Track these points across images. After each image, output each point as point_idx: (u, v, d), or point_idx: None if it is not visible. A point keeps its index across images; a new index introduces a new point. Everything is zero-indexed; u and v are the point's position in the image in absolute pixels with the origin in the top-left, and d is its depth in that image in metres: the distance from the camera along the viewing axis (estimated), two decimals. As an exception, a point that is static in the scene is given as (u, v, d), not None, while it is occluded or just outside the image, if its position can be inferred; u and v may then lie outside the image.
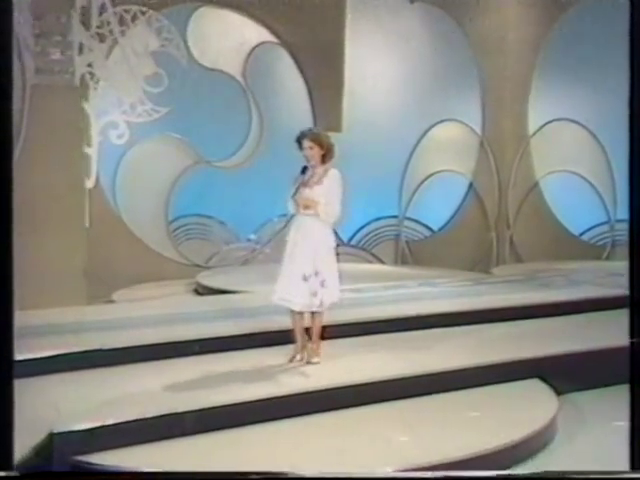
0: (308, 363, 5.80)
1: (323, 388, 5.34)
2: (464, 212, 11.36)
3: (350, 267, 11.36)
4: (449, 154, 11.49)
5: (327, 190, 5.65)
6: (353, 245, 12.42)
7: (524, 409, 5.35)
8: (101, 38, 10.02)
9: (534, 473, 4.45)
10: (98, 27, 9.93)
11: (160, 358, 5.87)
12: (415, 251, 11.99)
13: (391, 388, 5.49)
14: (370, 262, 12.24)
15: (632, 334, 3.30)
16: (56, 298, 7.27)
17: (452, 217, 11.55)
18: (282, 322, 6.05)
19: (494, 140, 10.89)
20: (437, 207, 11.77)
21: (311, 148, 5.70)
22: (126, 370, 5.61)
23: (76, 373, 5.46)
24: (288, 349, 5.92)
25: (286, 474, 3.88)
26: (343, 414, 5.12)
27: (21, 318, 6.24)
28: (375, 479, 4.14)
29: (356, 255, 12.34)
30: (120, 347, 5.82)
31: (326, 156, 5.75)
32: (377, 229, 12.34)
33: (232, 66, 11.07)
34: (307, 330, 5.89)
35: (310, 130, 5.89)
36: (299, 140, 5.76)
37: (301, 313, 5.81)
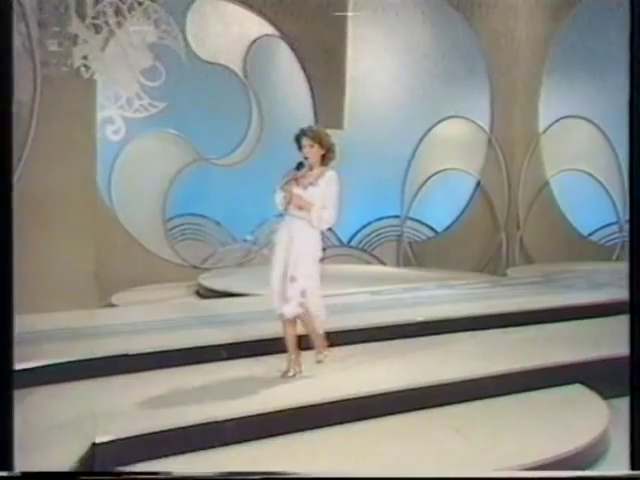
0: (318, 361, 5.66)
1: (358, 396, 5.20)
2: (471, 212, 11.20)
3: (351, 269, 11.35)
4: (455, 152, 11.32)
5: (322, 193, 5.41)
6: (352, 246, 12.27)
7: (579, 415, 5.24)
8: (96, 29, 9.75)
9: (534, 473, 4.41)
10: (93, 18, 9.67)
11: (184, 364, 5.75)
12: (418, 252, 11.84)
13: (436, 394, 5.38)
14: (370, 263, 12.13)
15: (632, 333, 3.41)
16: (66, 300, 7.08)
17: (458, 217, 11.38)
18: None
19: (503, 138, 10.77)
20: (441, 207, 11.60)
21: (311, 146, 5.47)
22: (153, 376, 5.48)
23: (103, 380, 5.34)
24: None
25: (286, 474, 3.97)
26: (392, 419, 5.04)
27: (35, 321, 6.20)
28: (378, 479, 4.15)
29: (355, 256, 12.19)
30: (146, 352, 5.70)
31: (326, 156, 5.53)
32: (378, 229, 12.16)
33: (232, 60, 10.83)
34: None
35: (310, 128, 5.66)
36: (298, 138, 5.53)
37: (292, 320, 5.54)
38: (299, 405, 4.96)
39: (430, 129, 11.52)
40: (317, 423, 4.90)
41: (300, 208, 5.41)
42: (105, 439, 4.23)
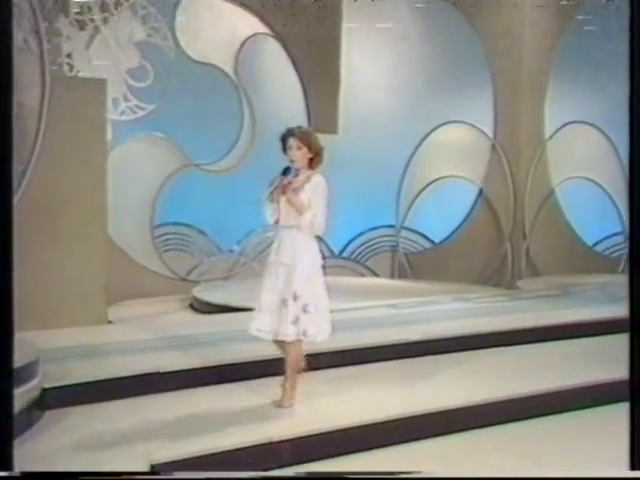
0: (280, 406, 5.14)
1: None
2: (472, 222, 10.97)
3: (346, 281, 11.14)
4: (455, 159, 11.07)
5: (308, 199, 5.04)
6: (345, 257, 12.06)
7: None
8: (81, 25, 9.46)
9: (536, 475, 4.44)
10: (77, 13, 9.37)
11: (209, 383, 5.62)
12: (415, 264, 11.61)
13: (478, 415, 5.22)
14: (363, 275, 11.95)
15: (632, 333, 3.29)
16: (76, 315, 6.82)
17: (458, 227, 11.12)
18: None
19: (508, 144, 10.58)
20: (439, 216, 11.36)
21: (298, 148, 5.06)
22: (187, 395, 5.41)
23: (138, 399, 5.25)
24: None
25: (287, 474, 4.11)
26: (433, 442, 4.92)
27: (51, 338, 6.00)
28: (373, 479, 4.14)
29: (348, 268, 11.98)
30: (176, 370, 5.59)
31: (314, 160, 5.13)
32: (372, 240, 11.97)
33: (223, 59, 10.55)
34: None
35: (299, 128, 5.23)
36: (284, 138, 5.13)
37: (283, 341, 5.12)
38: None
39: (428, 134, 11.29)
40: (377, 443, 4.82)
41: (297, 211, 5.04)
42: (163, 460, 4.16)
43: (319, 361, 5.99)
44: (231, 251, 11.11)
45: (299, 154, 5.08)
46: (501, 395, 5.47)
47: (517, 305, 8.36)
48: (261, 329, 5.09)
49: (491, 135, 10.79)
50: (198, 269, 10.85)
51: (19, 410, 4.46)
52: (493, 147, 10.76)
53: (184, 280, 10.35)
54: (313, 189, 5.07)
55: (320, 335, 5.15)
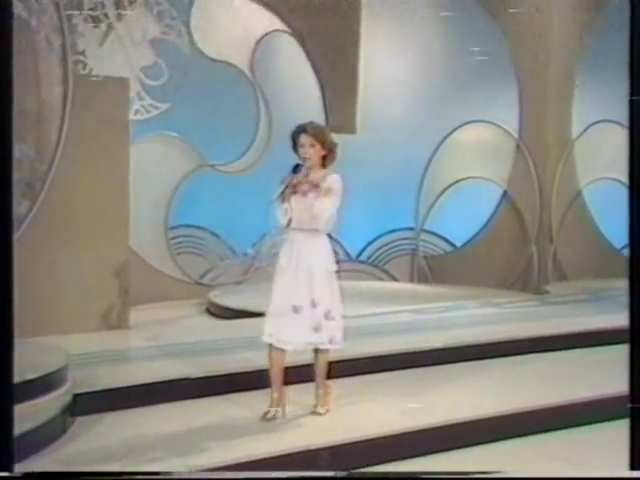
0: (314, 413, 5.03)
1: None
2: (496, 224, 10.75)
3: (364, 286, 11.00)
4: (478, 159, 10.86)
5: (324, 197, 4.84)
6: (362, 261, 11.91)
7: None
8: (95, 22, 9.36)
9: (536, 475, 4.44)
10: (91, 9, 9.26)
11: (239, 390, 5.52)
12: (435, 268, 11.42)
13: (531, 420, 5.12)
14: (381, 279, 11.80)
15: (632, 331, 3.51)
16: (98, 320, 6.71)
17: (481, 230, 10.93)
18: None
19: (533, 143, 10.38)
20: (461, 219, 11.16)
21: (311, 146, 4.88)
22: (218, 401, 5.33)
23: (168, 405, 5.18)
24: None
25: (287, 475, 4.05)
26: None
27: (74, 343, 5.88)
28: (374, 479, 4.20)
29: (365, 272, 11.83)
30: (207, 376, 5.50)
31: (327, 158, 4.95)
32: (390, 243, 11.81)
33: (239, 57, 10.36)
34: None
35: (312, 124, 5.03)
36: (296, 135, 4.96)
37: (282, 350, 4.93)
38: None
39: (450, 134, 11.10)
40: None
41: (313, 187, 4.83)
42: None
43: (349, 368, 5.90)
44: (245, 254, 10.92)
45: (312, 151, 4.90)
46: (546, 402, 5.34)
47: (549, 310, 8.22)
48: (273, 335, 4.92)
49: (516, 134, 10.62)
50: (211, 273, 10.70)
51: (52, 416, 4.34)
52: (518, 147, 10.57)
53: (198, 284, 10.21)
54: (330, 187, 4.88)
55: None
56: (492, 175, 10.83)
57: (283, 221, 4.93)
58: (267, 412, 4.97)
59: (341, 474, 4.29)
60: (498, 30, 10.59)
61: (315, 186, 4.86)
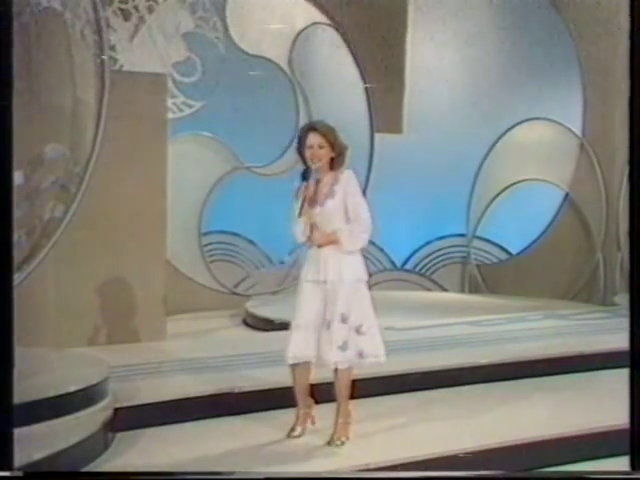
0: (330, 444, 4.86)
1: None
2: (557, 230, 10.72)
3: (411, 296, 11.08)
4: (536, 160, 10.87)
5: (342, 202, 4.79)
6: (408, 270, 11.98)
7: None
8: (125, 15, 9.54)
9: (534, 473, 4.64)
10: (121, 2, 9.45)
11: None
12: (488, 277, 11.49)
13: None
14: (429, 290, 11.84)
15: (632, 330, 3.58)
16: (136, 330, 6.86)
17: (540, 236, 10.90)
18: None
19: (599, 143, 10.33)
20: (517, 224, 11.20)
21: (320, 147, 4.77)
22: (264, 417, 5.41)
23: (213, 420, 5.29)
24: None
25: (287, 474, 4.20)
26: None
27: (112, 355, 6.04)
28: (374, 479, 4.29)
29: (411, 281, 11.90)
30: (254, 390, 5.61)
31: (335, 161, 4.84)
32: (439, 250, 11.88)
33: (277, 52, 10.53)
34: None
35: (322, 122, 4.96)
36: (303, 135, 4.88)
37: (306, 366, 4.93)
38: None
39: (505, 133, 11.16)
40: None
41: (330, 242, 4.80)
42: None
43: (405, 383, 5.98)
44: (282, 263, 10.97)
45: (321, 153, 4.81)
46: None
47: (620, 322, 8.17)
48: (298, 356, 4.90)
49: (579, 133, 10.61)
50: (246, 282, 10.82)
51: (94, 431, 4.46)
52: (582, 147, 10.56)
53: (233, 294, 10.33)
54: (346, 188, 4.84)
55: (381, 356, 4.95)
56: (552, 177, 10.82)
57: (302, 238, 4.91)
58: (293, 430, 5.03)
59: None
60: (560, 19, 10.60)
61: (330, 192, 4.86)
